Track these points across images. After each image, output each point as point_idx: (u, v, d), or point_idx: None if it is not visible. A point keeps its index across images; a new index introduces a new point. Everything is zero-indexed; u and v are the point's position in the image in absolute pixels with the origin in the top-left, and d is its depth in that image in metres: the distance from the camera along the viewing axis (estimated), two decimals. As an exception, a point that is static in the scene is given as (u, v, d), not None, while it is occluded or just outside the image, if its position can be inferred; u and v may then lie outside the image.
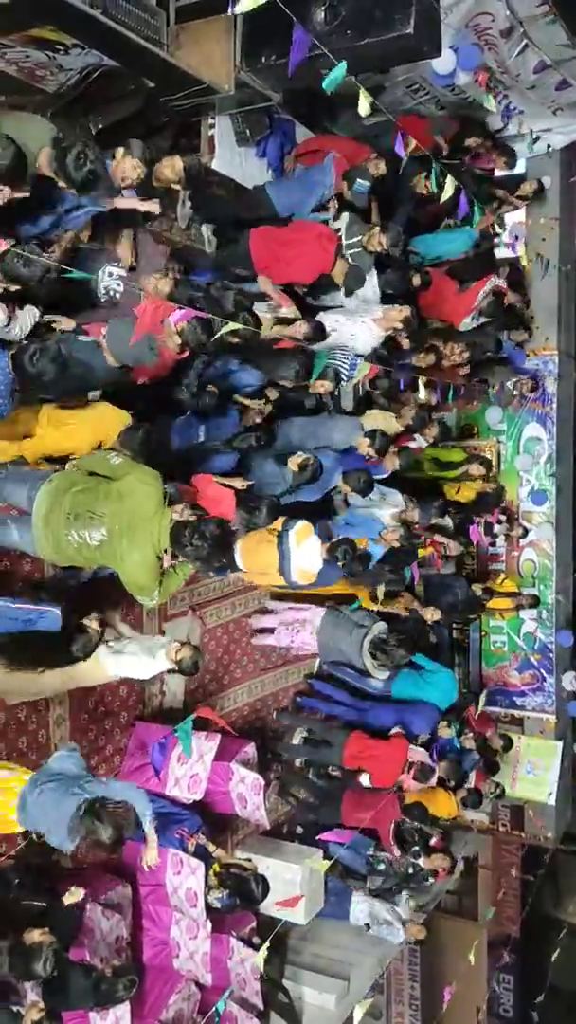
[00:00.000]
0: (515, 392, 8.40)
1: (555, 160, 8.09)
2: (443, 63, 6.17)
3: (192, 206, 5.85)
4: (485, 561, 8.81)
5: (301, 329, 5.38)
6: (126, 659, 4.87)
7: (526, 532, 8.56)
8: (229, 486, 4.95)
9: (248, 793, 6.09)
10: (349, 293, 5.88)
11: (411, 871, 7.01)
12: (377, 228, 5.88)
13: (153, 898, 5.76)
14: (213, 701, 6.72)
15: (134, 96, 5.23)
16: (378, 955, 7.36)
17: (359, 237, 5.92)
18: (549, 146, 7.81)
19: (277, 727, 7.47)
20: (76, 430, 4.45)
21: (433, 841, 6.83)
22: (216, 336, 4.42)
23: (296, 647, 7.00)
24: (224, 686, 6.96)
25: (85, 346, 4.43)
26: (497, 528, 8.50)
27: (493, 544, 8.71)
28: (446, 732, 7.09)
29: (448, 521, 7.20)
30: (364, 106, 4.34)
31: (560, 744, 8.59)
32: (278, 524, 5.22)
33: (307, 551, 5.30)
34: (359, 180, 5.93)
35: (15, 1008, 4.16)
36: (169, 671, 5.05)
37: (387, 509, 6.31)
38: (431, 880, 7.27)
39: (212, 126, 6.07)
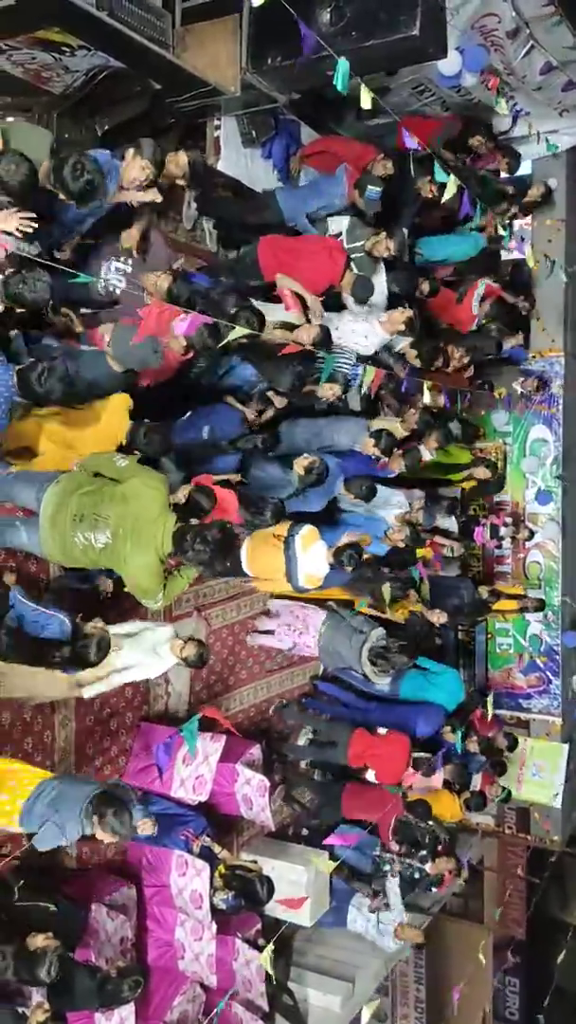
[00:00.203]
0: (521, 392, 8.39)
1: (561, 161, 8.08)
2: (449, 64, 6.17)
3: (197, 208, 5.86)
4: (491, 563, 8.80)
5: (308, 334, 5.37)
6: (131, 672, 4.89)
7: (532, 534, 8.54)
8: (227, 483, 4.96)
9: (253, 794, 6.09)
10: (360, 303, 5.89)
11: (416, 876, 6.99)
12: (383, 234, 5.88)
13: (158, 899, 5.76)
14: (218, 702, 6.72)
15: (140, 97, 5.25)
16: (383, 957, 7.33)
17: (361, 242, 5.92)
18: (556, 145, 7.79)
19: (282, 728, 7.46)
20: (81, 446, 4.43)
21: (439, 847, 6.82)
22: (223, 342, 4.42)
23: (298, 649, 7.00)
24: (229, 687, 6.96)
25: (90, 359, 4.42)
26: (503, 530, 8.49)
27: (499, 546, 8.70)
28: (451, 737, 7.07)
29: (453, 521, 7.18)
30: (366, 101, 4.34)
31: (566, 746, 8.56)
32: (283, 529, 5.21)
33: (314, 556, 5.29)
34: (370, 187, 5.92)
35: (20, 1009, 4.16)
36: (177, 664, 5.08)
37: (391, 510, 6.30)
38: (434, 889, 7.26)
39: (218, 127, 6.09)
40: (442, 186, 5.58)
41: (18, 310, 3.90)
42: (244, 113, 6.10)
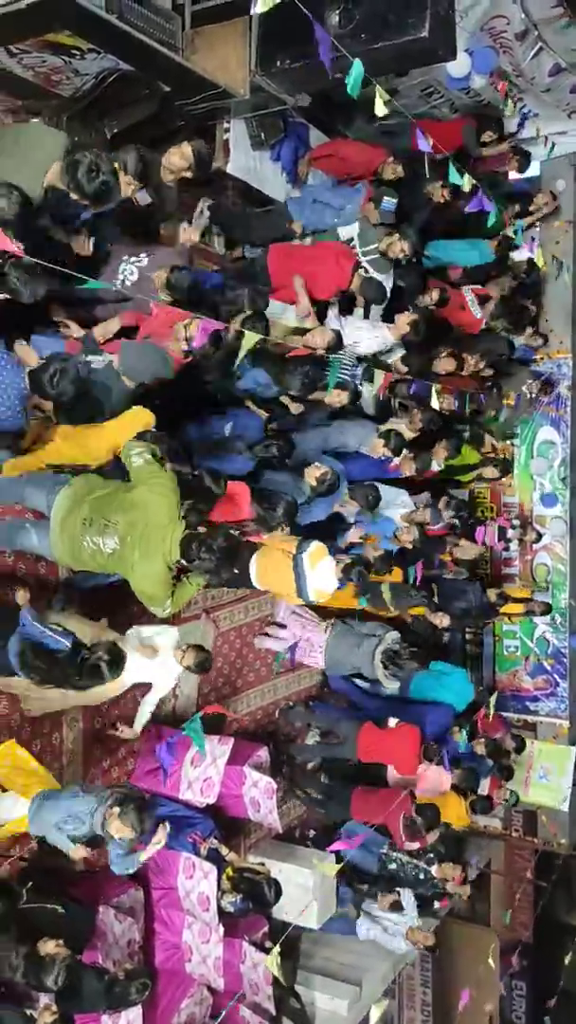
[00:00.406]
0: (529, 395, 8.37)
1: (569, 164, 8.06)
2: (458, 66, 6.18)
3: (209, 217, 5.84)
4: (499, 566, 8.78)
5: (321, 338, 5.37)
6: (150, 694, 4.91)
7: (539, 536, 8.52)
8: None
9: (261, 797, 6.09)
10: (377, 303, 5.88)
11: (421, 876, 6.98)
12: (396, 235, 5.87)
13: (166, 902, 5.76)
14: (225, 704, 6.71)
15: (149, 100, 5.24)
16: (391, 960, 7.33)
17: (374, 244, 5.92)
18: (554, 145, 7.77)
19: (289, 731, 7.45)
20: (93, 445, 4.40)
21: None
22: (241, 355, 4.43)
23: (300, 655, 6.98)
24: (237, 689, 6.95)
25: (104, 369, 4.40)
26: (511, 532, 8.47)
27: (507, 548, 8.68)
28: (458, 737, 7.06)
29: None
30: (380, 107, 4.32)
31: (574, 749, 8.53)
32: (292, 546, 5.21)
33: (322, 573, 5.28)
34: (386, 198, 5.91)
35: (28, 1011, 4.17)
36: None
37: (397, 509, 6.29)
38: (437, 904, 7.24)
39: (227, 130, 6.09)
40: (456, 189, 5.56)
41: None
42: (253, 116, 6.10)
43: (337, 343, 5.36)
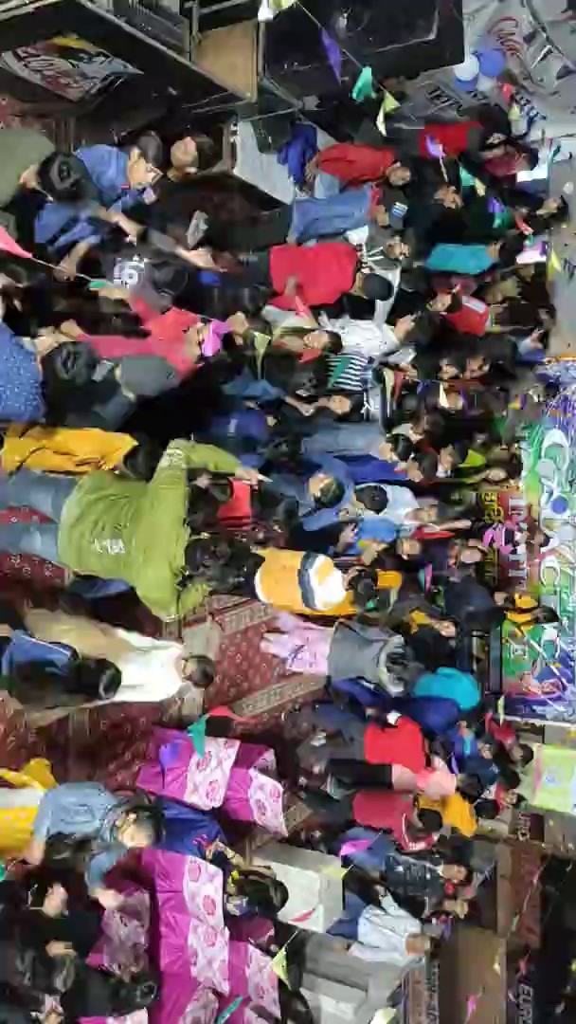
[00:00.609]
0: (536, 398, 8.34)
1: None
2: (466, 69, 6.17)
3: (206, 231, 5.84)
4: (506, 569, 8.76)
5: (320, 339, 5.36)
6: (140, 692, 4.86)
7: (547, 540, 8.49)
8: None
9: (267, 800, 6.08)
10: (382, 299, 5.87)
11: (428, 876, 6.96)
12: (397, 237, 5.87)
13: (171, 905, 5.75)
14: (232, 708, 6.70)
15: (157, 104, 5.24)
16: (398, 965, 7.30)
17: (381, 247, 5.92)
18: (571, 155, 7.76)
19: (295, 734, 7.43)
20: (78, 440, 4.39)
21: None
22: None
23: (302, 663, 6.96)
24: (243, 692, 6.95)
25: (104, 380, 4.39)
26: (518, 536, 8.44)
27: (514, 552, 8.65)
28: (465, 732, 7.04)
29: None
30: (381, 126, 4.32)
31: (582, 754, 8.52)
32: (297, 561, 5.18)
33: (330, 587, 5.27)
34: (397, 204, 5.90)
35: (34, 1014, 4.16)
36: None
37: (399, 509, 6.27)
38: (434, 922, 7.22)
39: (234, 133, 6.08)
40: (467, 191, 5.55)
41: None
42: (260, 118, 6.10)
43: (335, 344, 5.35)
